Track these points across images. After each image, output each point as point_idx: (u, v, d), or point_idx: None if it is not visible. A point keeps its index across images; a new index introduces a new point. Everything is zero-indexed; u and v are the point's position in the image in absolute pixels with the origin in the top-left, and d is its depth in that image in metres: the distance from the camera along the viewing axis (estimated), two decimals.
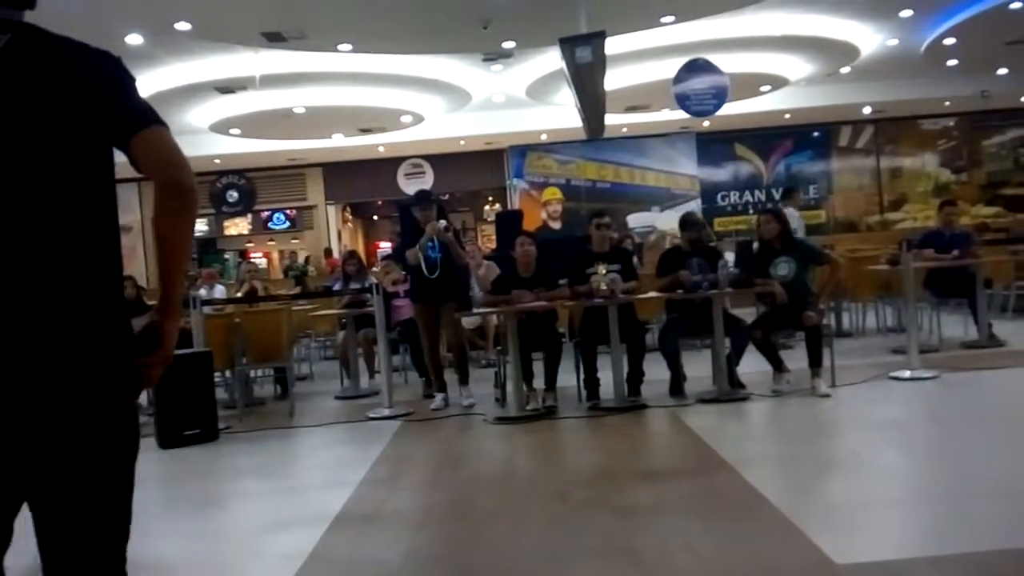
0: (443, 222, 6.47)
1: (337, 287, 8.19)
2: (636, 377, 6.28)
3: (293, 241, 18.72)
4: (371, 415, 6.49)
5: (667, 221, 15.12)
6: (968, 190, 16.99)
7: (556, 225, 16.30)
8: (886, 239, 12.64)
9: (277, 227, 18.38)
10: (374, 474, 4.85)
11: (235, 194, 15.81)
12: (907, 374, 6.26)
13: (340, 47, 9.89)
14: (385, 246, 20.16)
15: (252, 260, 15.73)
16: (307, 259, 16.87)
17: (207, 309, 7.10)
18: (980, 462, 4.17)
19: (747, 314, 7.24)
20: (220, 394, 7.07)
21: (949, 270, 7.65)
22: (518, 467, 5.13)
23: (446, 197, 16.55)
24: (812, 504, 3.78)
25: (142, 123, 1.68)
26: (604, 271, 6.27)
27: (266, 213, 17.98)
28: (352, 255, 8.83)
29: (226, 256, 18.46)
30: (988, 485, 3.78)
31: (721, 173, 17.00)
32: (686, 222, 6.88)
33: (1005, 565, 2.86)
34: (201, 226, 17.57)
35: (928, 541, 3.24)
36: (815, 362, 6.04)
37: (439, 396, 6.68)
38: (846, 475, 4.29)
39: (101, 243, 1.65)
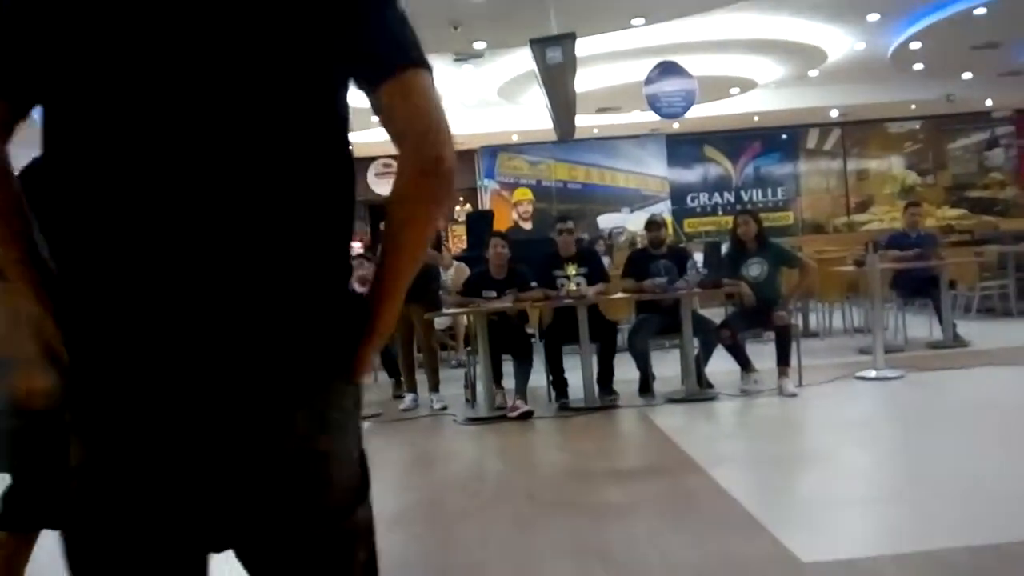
0: None
1: None
2: (607, 375, 6.30)
3: None
4: None
5: (637, 222, 15.19)
6: (934, 192, 17.22)
7: (527, 226, 16.32)
8: (853, 240, 12.80)
9: None
10: None
11: None
12: (873, 374, 6.33)
13: None
14: (355, 246, 20.07)
15: None
16: None
17: None
18: (943, 461, 4.22)
19: (716, 314, 7.29)
20: None
21: (914, 271, 7.76)
22: (488, 467, 5.13)
23: None
24: (779, 503, 3.81)
25: (402, 62, 1.16)
26: (573, 272, 6.31)
27: None
28: None
29: None
30: (950, 484, 3.83)
31: (690, 175, 17.09)
32: (650, 223, 6.93)
33: (965, 561, 2.90)
34: None
35: (891, 539, 3.28)
36: (783, 362, 6.10)
37: (409, 396, 6.66)
38: (812, 474, 4.34)
39: (333, 218, 1.19)
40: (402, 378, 6.88)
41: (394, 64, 1.16)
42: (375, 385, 7.94)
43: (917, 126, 17.40)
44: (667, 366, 6.76)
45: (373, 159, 16.72)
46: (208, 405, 1.08)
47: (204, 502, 1.10)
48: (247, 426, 1.09)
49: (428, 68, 1.19)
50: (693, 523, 3.60)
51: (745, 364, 6.31)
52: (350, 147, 1.22)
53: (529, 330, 7.04)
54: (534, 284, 6.42)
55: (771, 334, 6.36)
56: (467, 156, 16.90)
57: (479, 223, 11.14)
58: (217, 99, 1.09)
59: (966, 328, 7.93)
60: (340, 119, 1.20)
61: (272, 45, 1.11)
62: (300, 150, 1.14)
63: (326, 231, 1.17)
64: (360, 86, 1.18)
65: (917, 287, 7.93)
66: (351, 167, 1.22)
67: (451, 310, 6.99)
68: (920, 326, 8.19)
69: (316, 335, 1.14)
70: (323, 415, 1.15)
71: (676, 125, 14.91)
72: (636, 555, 3.25)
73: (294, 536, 1.13)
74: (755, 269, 6.34)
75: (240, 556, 1.17)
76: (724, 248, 6.96)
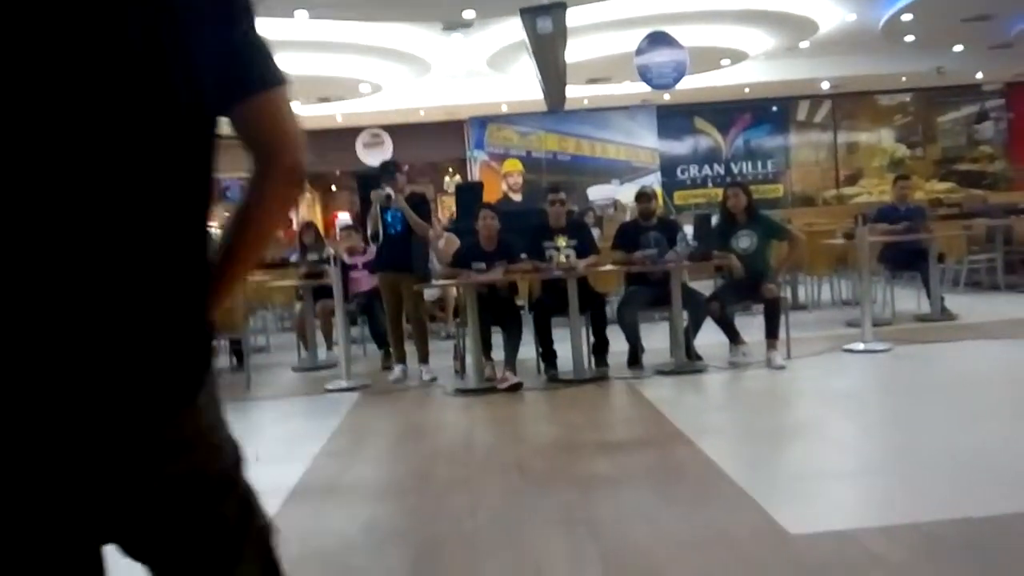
0: (386, 190, 6.34)
1: (294, 258, 8.09)
2: (601, 346, 6.32)
3: None
4: (329, 387, 6.45)
5: (627, 194, 15.16)
6: (923, 165, 17.24)
7: (517, 197, 16.27)
8: (842, 213, 12.81)
9: (232, 199, 18.06)
10: (332, 446, 4.82)
11: None
12: (861, 346, 6.35)
13: (296, 13, 9.70)
14: (344, 216, 19.96)
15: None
16: None
17: None
18: (930, 433, 4.24)
19: (705, 287, 7.29)
20: None
21: (903, 244, 7.77)
22: (477, 438, 5.13)
23: (406, 168, 16.42)
24: (767, 475, 3.83)
25: (262, 82, 1.21)
26: (563, 244, 6.30)
27: (223, 184, 17.66)
28: (309, 226, 8.73)
29: None
30: (939, 456, 3.85)
31: (681, 146, 17.04)
32: (640, 195, 6.92)
33: (951, 533, 2.92)
34: None
35: (879, 511, 3.30)
36: (771, 334, 6.11)
37: (398, 367, 6.65)
38: (800, 446, 4.35)
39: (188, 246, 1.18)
40: (391, 349, 6.86)
41: (253, 84, 1.20)
42: (364, 357, 7.94)
43: (907, 99, 17.37)
44: (656, 338, 6.76)
45: (362, 129, 16.61)
46: (68, 406, 1.07)
47: (79, 496, 1.10)
48: (113, 422, 1.10)
49: (285, 82, 1.24)
50: (682, 495, 3.61)
51: (734, 337, 6.32)
52: (210, 162, 1.22)
53: (519, 302, 7.03)
54: (524, 256, 6.40)
55: (760, 307, 6.36)
56: (456, 127, 16.80)
57: (468, 194, 11.10)
58: (59, 118, 1.06)
59: (954, 301, 7.95)
60: (200, 137, 1.19)
61: (110, 73, 1.07)
62: (148, 167, 1.11)
63: (180, 237, 1.17)
64: (219, 106, 1.19)
65: (906, 260, 7.95)
66: (208, 185, 1.22)
67: (441, 282, 6.97)
68: (908, 299, 8.21)
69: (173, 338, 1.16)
70: (195, 401, 1.21)
71: (667, 96, 14.84)
72: (625, 526, 3.26)
73: (177, 520, 1.18)
74: (745, 241, 6.34)
75: (130, 551, 1.19)
76: (714, 220, 6.95)
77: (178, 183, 1.15)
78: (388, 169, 6.61)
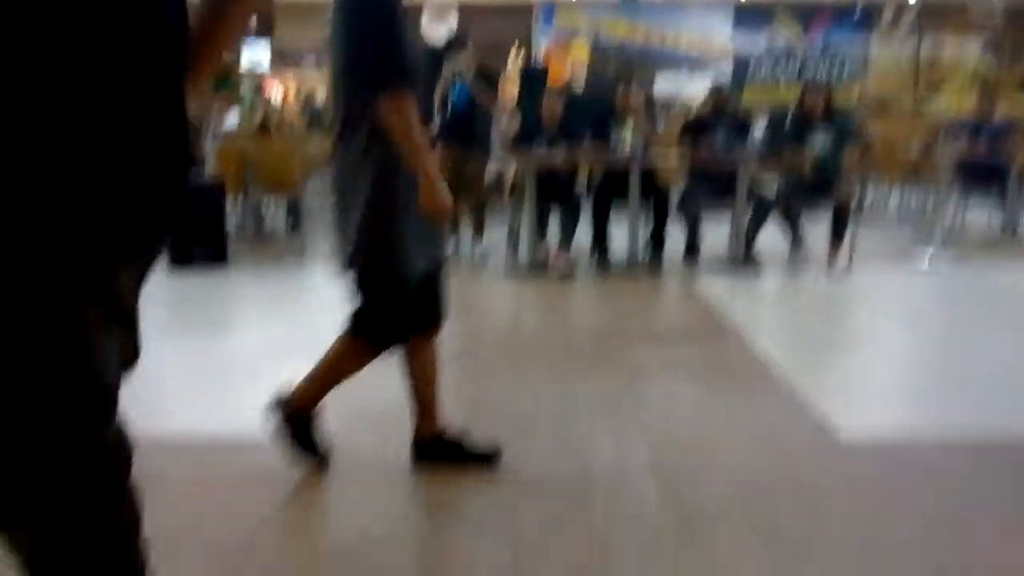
0: (458, 63, 6.23)
1: None
2: (659, 237, 6.21)
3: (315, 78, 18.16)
4: None
5: (696, 88, 14.68)
6: (1010, 80, 16.41)
7: (582, 82, 15.86)
8: (920, 124, 12.28)
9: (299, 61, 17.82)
10: None
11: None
12: (926, 261, 6.16)
13: None
14: None
15: (268, 95, 15.36)
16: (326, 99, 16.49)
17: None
18: (990, 353, 4.12)
19: (772, 187, 7.08)
20: (231, 224, 7.00)
21: (982, 161, 7.43)
22: (526, 319, 5.12)
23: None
24: (819, 379, 3.75)
25: None
26: (629, 130, 6.12)
27: (288, 46, 17.41)
28: None
29: (241, 88, 18.00)
30: (999, 376, 3.74)
31: (756, 43, 16.37)
32: (713, 89, 6.68)
33: (1005, 452, 2.85)
34: None
35: (932, 425, 3.22)
36: (837, 239, 5.95)
37: (451, 239, 6.62)
38: (855, 354, 4.26)
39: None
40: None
41: None
42: None
43: (998, 11, 16.41)
44: (716, 234, 6.62)
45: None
46: None
47: None
48: None
49: None
50: (730, 390, 3.56)
51: (797, 239, 6.17)
52: None
53: (578, 187, 6.90)
54: (587, 137, 6.25)
55: (825, 212, 6.17)
56: (524, 9, 16.28)
57: (534, 78, 10.85)
58: None
59: None
60: None
61: None
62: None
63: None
64: None
65: (984, 177, 7.62)
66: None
67: (502, 159, 6.87)
68: (979, 217, 7.92)
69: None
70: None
71: None
72: (671, 416, 3.23)
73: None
74: (819, 142, 6.10)
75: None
76: (788, 119, 6.68)
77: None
78: (457, 43, 6.45)
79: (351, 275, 2.54)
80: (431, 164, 2.32)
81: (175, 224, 1.19)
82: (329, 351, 2.63)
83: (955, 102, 16.14)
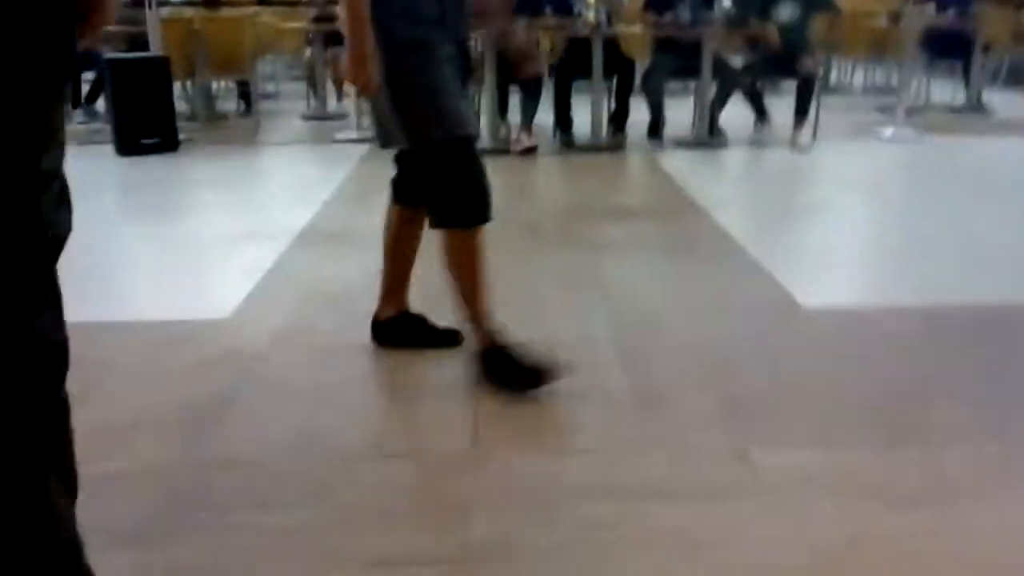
0: None
1: None
2: (622, 114, 6.10)
3: None
4: (338, 137, 6.29)
5: None
6: None
7: None
8: None
9: None
10: (340, 194, 4.74)
11: None
12: (889, 134, 6.14)
13: None
14: None
15: None
16: None
17: (163, 12, 6.62)
18: (951, 224, 4.14)
19: (737, 60, 6.96)
20: (180, 107, 6.76)
21: (949, 30, 7.33)
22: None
23: None
24: (781, 250, 3.75)
25: None
26: (592, 1, 5.93)
27: None
28: None
29: None
30: (955, 246, 3.77)
31: None
32: None
33: (959, 317, 2.89)
34: None
35: (890, 291, 3.25)
36: (801, 113, 5.90)
37: None
38: (817, 226, 4.26)
39: None
40: None
41: None
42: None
43: None
44: (680, 111, 6.52)
45: None
46: None
47: None
48: None
49: None
50: (694, 262, 3.56)
51: (761, 113, 6.10)
52: None
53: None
54: (548, 11, 6.04)
55: (791, 86, 6.08)
56: None
57: None
58: None
59: (991, 97, 7.64)
60: None
61: None
62: None
63: None
64: None
65: (948, 48, 7.53)
66: None
67: None
68: (943, 89, 7.88)
69: None
70: None
71: None
72: (635, 289, 3.23)
73: None
74: (786, 12, 5.95)
75: None
76: None
77: None
78: None
79: (408, 160, 2.42)
80: (366, 41, 2.11)
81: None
82: (447, 269, 2.46)
83: None
